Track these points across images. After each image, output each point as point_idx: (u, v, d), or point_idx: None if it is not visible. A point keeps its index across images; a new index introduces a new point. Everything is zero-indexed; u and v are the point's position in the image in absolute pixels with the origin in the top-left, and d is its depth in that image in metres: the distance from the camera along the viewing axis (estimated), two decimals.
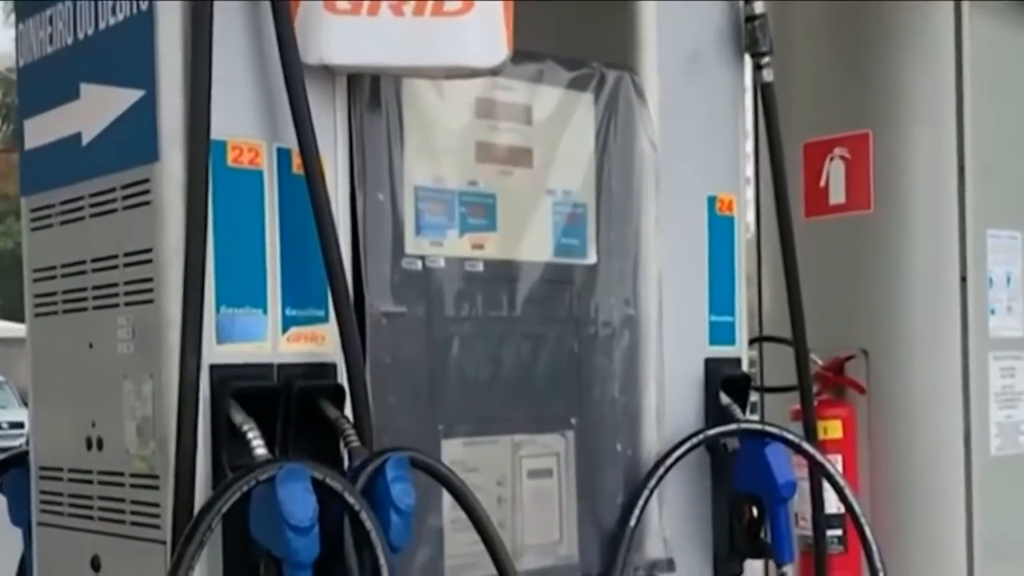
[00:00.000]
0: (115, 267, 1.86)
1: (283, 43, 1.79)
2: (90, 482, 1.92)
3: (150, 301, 1.79)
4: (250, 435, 1.74)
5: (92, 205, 1.91)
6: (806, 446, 2.36)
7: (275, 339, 1.84)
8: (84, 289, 1.93)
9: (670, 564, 2.31)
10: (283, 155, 1.85)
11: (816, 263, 2.98)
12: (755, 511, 2.40)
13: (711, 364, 2.43)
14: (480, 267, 2.10)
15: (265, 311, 1.84)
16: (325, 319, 1.88)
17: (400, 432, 1.95)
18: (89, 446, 1.91)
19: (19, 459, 2.17)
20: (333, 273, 1.83)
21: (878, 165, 3.04)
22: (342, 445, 1.84)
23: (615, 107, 2.30)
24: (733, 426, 2.35)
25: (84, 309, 1.93)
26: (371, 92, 1.96)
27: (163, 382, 1.77)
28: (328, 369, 1.88)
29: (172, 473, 1.71)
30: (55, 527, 2.01)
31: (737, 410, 2.40)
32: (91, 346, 1.91)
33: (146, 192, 1.79)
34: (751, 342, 2.94)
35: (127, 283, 1.84)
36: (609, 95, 2.29)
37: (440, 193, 2.06)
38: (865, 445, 3.00)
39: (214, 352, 1.77)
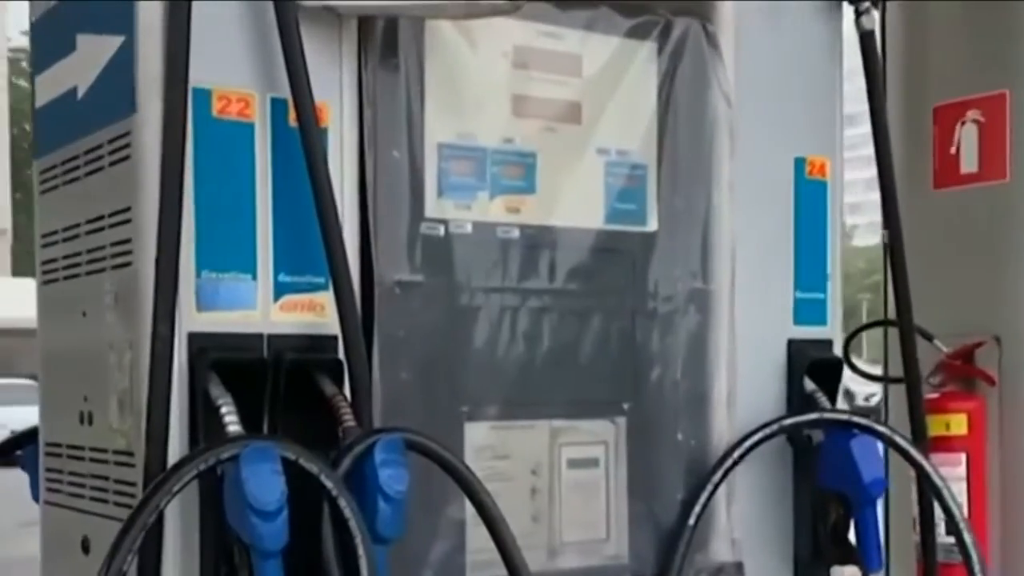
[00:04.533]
0: (102, 229, 1.73)
1: None
2: (83, 459, 1.80)
3: (129, 264, 1.65)
4: (223, 410, 1.58)
5: (86, 163, 1.78)
6: (898, 439, 2.07)
7: (266, 307, 1.68)
8: (79, 253, 1.81)
9: (738, 568, 2.06)
10: (278, 106, 1.69)
11: (945, 239, 2.73)
12: (842, 511, 2.13)
13: (795, 346, 2.17)
14: (515, 233, 1.91)
15: (255, 277, 1.68)
16: (326, 287, 1.71)
17: (415, 412, 1.78)
18: (82, 421, 1.79)
19: (36, 433, 2.07)
20: (329, 235, 1.66)
21: (1015, 129, 2.70)
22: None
23: (681, 58, 2.06)
24: (814, 415, 2.08)
25: (78, 275, 1.81)
26: (385, 39, 1.79)
27: (140, 352, 1.62)
28: (328, 341, 1.71)
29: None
30: (57, 506, 1.89)
31: (823, 398, 2.13)
32: (84, 314, 1.79)
33: (127, 147, 1.66)
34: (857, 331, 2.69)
35: (112, 245, 1.70)
36: (675, 45, 2.06)
37: (468, 151, 1.87)
38: (996, 443, 2.67)
39: (195, 320, 1.63)
